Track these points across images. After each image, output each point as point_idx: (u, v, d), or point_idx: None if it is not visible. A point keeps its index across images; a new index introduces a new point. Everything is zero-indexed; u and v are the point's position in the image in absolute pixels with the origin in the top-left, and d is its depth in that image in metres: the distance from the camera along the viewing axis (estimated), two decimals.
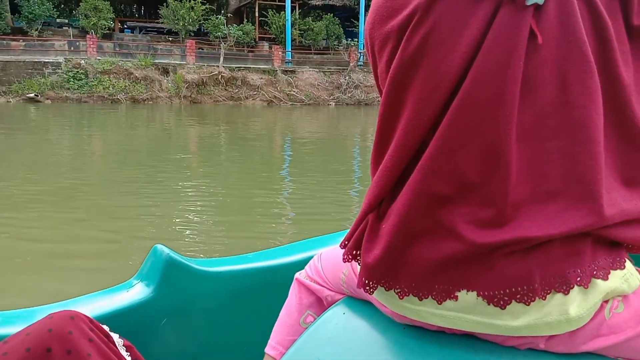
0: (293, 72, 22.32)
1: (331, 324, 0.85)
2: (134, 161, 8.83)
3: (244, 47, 23.19)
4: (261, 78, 21.33)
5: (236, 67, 21.22)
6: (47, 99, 18.15)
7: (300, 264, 1.15)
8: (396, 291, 0.73)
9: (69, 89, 18.46)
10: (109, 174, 7.80)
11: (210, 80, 20.46)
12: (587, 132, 0.66)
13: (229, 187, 7.19)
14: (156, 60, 20.24)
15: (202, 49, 21.99)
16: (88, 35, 19.76)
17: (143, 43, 21.32)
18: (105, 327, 0.91)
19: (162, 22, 22.08)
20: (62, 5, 25.53)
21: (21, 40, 19.50)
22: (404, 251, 0.72)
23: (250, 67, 21.69)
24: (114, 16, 21.50)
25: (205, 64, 20.88)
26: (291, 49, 23.90)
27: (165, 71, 20.11)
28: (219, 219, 5.53)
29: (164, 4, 21.68)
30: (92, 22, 20.21)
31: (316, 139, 12.56)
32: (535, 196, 0.68)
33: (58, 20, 23.30)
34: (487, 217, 0.68)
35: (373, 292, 0.75)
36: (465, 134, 0.68)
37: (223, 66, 20.77)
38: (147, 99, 19.28)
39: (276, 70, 21.89)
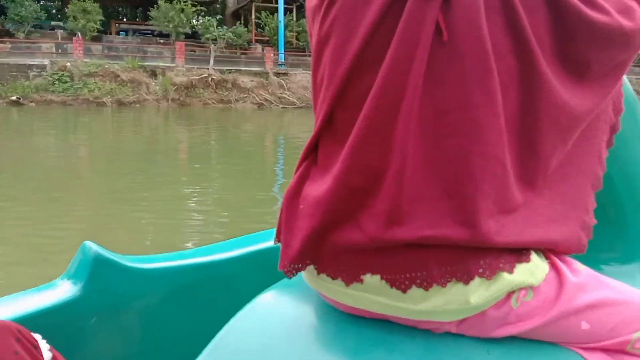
0: (285, 74, 21.82)
1: (256, 312, 0.84)
2: (115, 167, 8.46)
3: (236, 49, 22.74)
4: (252, 81, 20.87)
5: (227, 70, 20.79)
6: (32, 101, 17.79)
7: (239, 260, 1.20)
8: (315, 267, 0.75)
9: (53, 91, 18.09)
10: (85, 179, 7.44)
11: (200, 82, 20.02)
12: (482, 132, 0.66)
13: (220, 194, 6.95)
14: (145, 63, 19.86)
15: (194, 51, 21.59)
16: (74, 38, 19.43)
17: (133, 45, 20.96)
18: (37, 336, 0.90)
19: (152, 25, 21.69)
20: (53, 8, 25.25)
21: (8, 43, 19.21)
22: (321, 235, 0.73)
23: (241, 70, 21.22)
24: (103, 18, 21.10)
25: (196, 67, 20.47)
26: (285, 51, 23.41)
27: (153, 73, 19.72)
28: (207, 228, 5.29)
29: (155, 5, 21.30)
30: (80, 25, 19.86)
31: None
32: (431, 193, 0.68)
33: (52, 23, 23.04)
34: (385, 211, 0.68)
35: (292, 276, 0.76)
36: (375, 126, 0.69)
37: (214, 68, 20.35)
38: (134, 101, 18.86)
39: (268, 73, 21.40)
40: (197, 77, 19.97)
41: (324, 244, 0.73)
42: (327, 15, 0.74)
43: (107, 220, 5.42)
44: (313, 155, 0.79)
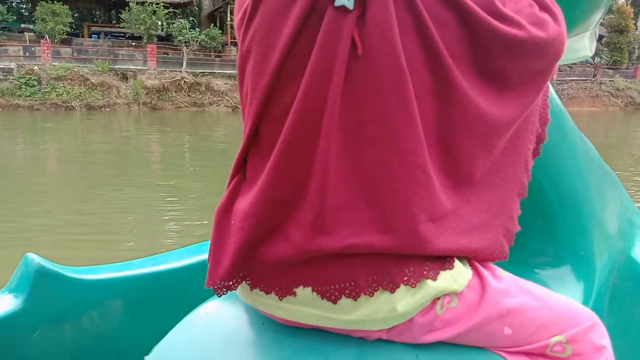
0: None
1: (193, 325, 0.84)
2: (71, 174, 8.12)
3: (211, 52, 22.45)
4: (226, 83, 20.58)
5: (200, 73, 20.48)
6: None
7: (186, 270, 1.20)
8: (247, 282, 0.75)
9: (20, 96, 17.66)
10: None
11: (172, 86, 19.70)
12: (401, 141, 0.69)
13: (194, 198, 6.87)
14: (116, 66, 19.49)
15: (167, 54, 21.26)
16: (42, 41, 19.00)
17: (104, 48, 20.55)
18: None
19: (123, 27, 21.32)
20: (26, 11, 24.73)
21: None
22: (252, 249, 0.73)
23: (215, 73, 20.92)
24: (72, 21, 20.69)
25: (168, 70, 20.14)
26: None
27: (124, 77, 19.35)
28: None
29: (127, 8, 20.94)
30: (49, 27, 19.45)
31: None
32: (354, 203, 0.70)
33: (23, 25, 22.55)
34: (310, 221, 0.70)
35: (222, 294, 0.76)
36: (298, 140, 0.70)
37: (186, 71, 20.04)
38: (104, 105, 18.50)
39: None
40: (170, 80, 19.64)
41: (254, 257, 0.74)
42: (247, 31, 0.76)
43: (73, 230, 5.26)
44: (243, 170, 0.80)
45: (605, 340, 0.81)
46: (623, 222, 1.27)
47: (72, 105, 18.01)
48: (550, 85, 0.96)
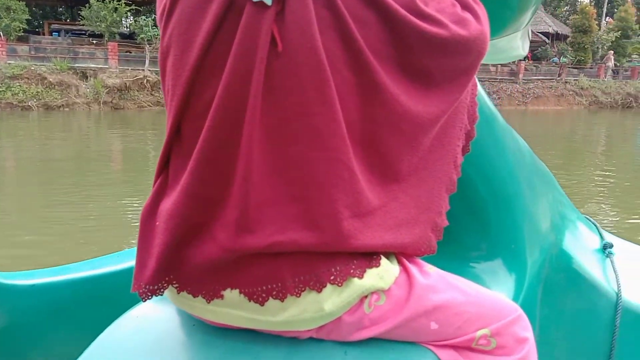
0: None
1: (122, 329, 0.83)
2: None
3: None
4: None
5: None
6: None
7: (124, 273, 1.17)
8: (174, 286, 0.74)
9: None
10: None
11: (135, 84, 19.13)
12: (323, 138, 0.69)
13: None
14: (76, 65, 18.81)
15: (130, 52, 20.68)
16: None
17: (63, 46, 19.85)
18: None
19: (83, 25, 20.66)
20: None
21: None
22: (177, 251, 0.72)
23: None
24: (29, 17, 19.94)
25: (131, 68, 19.58)
26: None
27: (84, 76, 18.69)
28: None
29: (87, 4, 20.29)
30: (3, 24, 18.69)
31: None
32: (278, 199, 0.69)
33: None
34: (234, 219, 0.69)
35: (147, 298, 0.74)
36: (219, 137, 0.70)
37: (149, 70, 19.51)
38: (63, 105, 17.84)
39: None
40: (132, 79, 19.06)
41: (180, 259, 0.73)
42: (167, 27, 0.75)
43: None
44: (166, 170, 0.78)
45: (528, 333, 0.82)
46: (555, 216, 1.28)
47: (29, 105, 17.31)
48: (479, 84, 0.94)
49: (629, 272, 1.25)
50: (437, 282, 0.79)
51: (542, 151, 10.82)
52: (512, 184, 1.15)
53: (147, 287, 0.74)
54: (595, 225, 1.41)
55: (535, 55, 31.72)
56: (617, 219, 6.63)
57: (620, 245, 1.35)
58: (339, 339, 0.77)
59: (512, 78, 28.05)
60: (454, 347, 0.80)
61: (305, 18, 0.67)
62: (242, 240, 0.69)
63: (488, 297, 0.82)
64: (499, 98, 26.84)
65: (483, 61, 0.83)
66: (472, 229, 1.13)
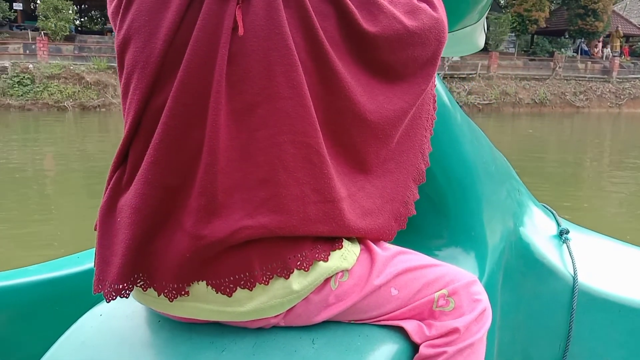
0: None
1: (86, 327, 0.82)
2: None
3: None
4: None
5: None
6: None
7: (87, 274, 1.14)
8: (139, 284, 0.72)
9: (12, 95, 16.70)
10: None
11: None
12: (291, 122, 0.69)
13: None
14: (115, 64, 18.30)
15: None
16: (38, 38, 18.04)
17: (108, 45, 19.43)
18: None
19: None
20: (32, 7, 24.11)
21: None
22: (145, 244, 0.70)
23: None
24: (76, 17, 19.71)
25: None
26: None
27: None
28: None
29: None
30: (50, 24, 18.51)
31: None
32: (247, 184, 0.69)
33: (26, 22, 21.78)
34: (202, 205, 0.68)
35: (111, 299, 0.72)
36: (182, 122, 0.69)
37: None
38: (99, 105, 17.30)
39: None
40: None
41: (149, 252, 0.70)
42: (124, 19, 0.73)
43: None
44: (124, 166, 0.75)
45: (483, 295, 0.84)
46: (513, 203, 1.33)
47: (65, 106, 16.88)
48: (436, 75, 0.92)
49: (584, 256, 1.29)
50: (397, 254, 0.81)
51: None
52: (470, 172, 1.17)
53: (113, 285, 0.70)
54: (552, 213, 1.43)
55: (635, 51, 27.76)
56: None
57: (575, 231, 1.38)
58: (305, 322, 0.77)
59: (605, 77, 24.58)
60: (418, 318, 0.80)
61: (272, 5, 0.68)
62: (211, 226, 0.67)
63: (446, 265, 0.85)
64: (586, 99, 23.53)
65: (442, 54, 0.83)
66: (432, 217, 1.14)
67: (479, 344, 0.81)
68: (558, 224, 1.37)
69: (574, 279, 1.21)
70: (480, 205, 1.18)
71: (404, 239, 0.83)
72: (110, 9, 0.78)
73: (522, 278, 1.25)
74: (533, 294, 1.26)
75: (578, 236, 1.36)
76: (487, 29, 1.37)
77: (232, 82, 0.67)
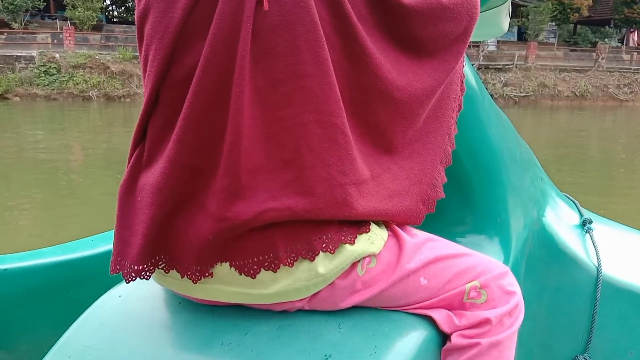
0: None
1: (104, 308, 0.81)
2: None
3: None
4: None
5: None
6: (16, 96, 16.55)
7: (104, 257, 1.14)
8: (161, 266, 0.71)
9: (38, 85, 16.74)
10: None
11: None
12: (317, 101, 0.66)
13: None
14: None
15: None
16: (65, 27, 18.04)
17: (135, 34, 19.32)
18: None
19: None
20: None
21: (6, 34, 18.16)
22: (167, 225, 0.69)
23: None
24: (103, 6, 19.66)
25: None
26: None
27: None
28: None
29: None
30: (78, 13, 18.49)
31: None
32: (271, 164, 0.67)
33: (58, 12, 21.88)
34: (226, 186, 0.66)
35: (131, 280, 0.70)
36: (207, 101, 0.67)
37: None
38: (123, 95, 17.20)
39: None
40: None
41: (170, 234, 0.69)
42: None
43: None
44: (143, 143, 0.73)
45: (516, 287, 0.81)
46: (537, 191, 1.29)
47: (89, 95, 16.84)
48: (465, 54, 0.88)
49: (607, 246, 1.26)
50: (426, 241, 0.79)
51: None
52: (496, 158, 1.13)
53: (132, 266, 0.69)
54: (574, 202, 1.40)
55: None
56: None
57: (597, 222, 1.34)
58: (330, 307, 0.75)
59: None
60: (448, 308, 0.77)
61: None
62: (235, 208, 0.65)
63: (476, 254, 0.82)
64: (630, 92, 22.25)
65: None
66: (456, 203, 1.09)
67: (510, 341, 0.78)
68: (580, 214, 1.33)
69: (597, 269, 1.18)
70: (505, 192, 1.15)
71: (426, 224, 0.80)
72: None
73: (544, 268, 1.23)
74: (555, 284, 1.23)
75: (600, 227, 1.32)
76: (513, 15, 1.30)
77: (256, 58, 0.65)
